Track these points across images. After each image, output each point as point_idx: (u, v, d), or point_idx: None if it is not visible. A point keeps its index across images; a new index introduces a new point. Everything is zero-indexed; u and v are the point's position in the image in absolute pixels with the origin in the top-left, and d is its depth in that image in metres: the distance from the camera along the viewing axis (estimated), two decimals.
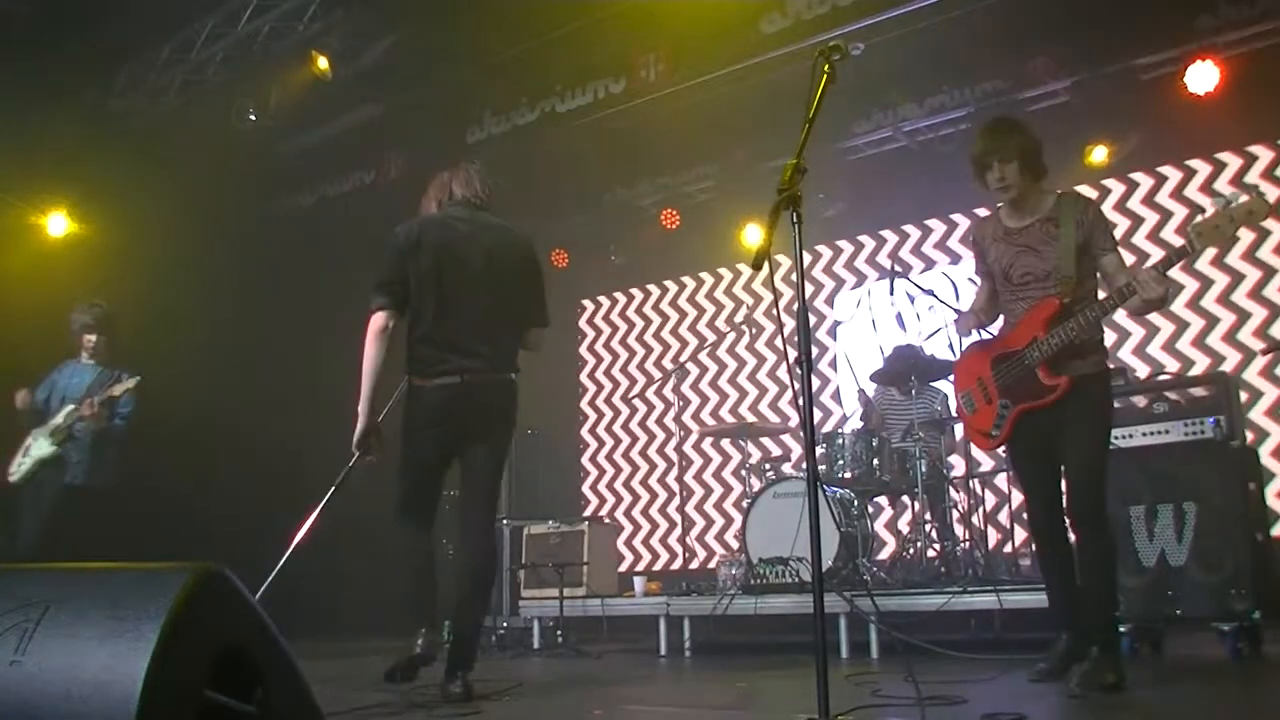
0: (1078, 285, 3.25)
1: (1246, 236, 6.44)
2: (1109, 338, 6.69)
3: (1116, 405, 4.57)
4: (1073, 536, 3.41)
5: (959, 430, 5.92)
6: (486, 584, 3.78)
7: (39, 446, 5.53)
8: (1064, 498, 3.35)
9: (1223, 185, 6.57)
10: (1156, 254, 6.73)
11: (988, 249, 3.49)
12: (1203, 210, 6.52)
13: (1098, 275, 3.33)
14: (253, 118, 7.70)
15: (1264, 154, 6.52)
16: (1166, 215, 6.80)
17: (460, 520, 3.76)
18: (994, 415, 3.46)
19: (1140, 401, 4.45)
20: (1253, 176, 6.50)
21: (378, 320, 3.72)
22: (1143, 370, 6.48)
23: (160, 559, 1.65)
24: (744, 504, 6.08)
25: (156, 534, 6.88)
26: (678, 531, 8.22)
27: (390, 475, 3.88)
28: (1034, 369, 3.30)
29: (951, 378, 3.87)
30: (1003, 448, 3.64)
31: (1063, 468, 3.35)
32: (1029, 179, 3.38)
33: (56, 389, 5.68)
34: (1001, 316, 3.56)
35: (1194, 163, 6.79)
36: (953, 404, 5.98)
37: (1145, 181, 6.96)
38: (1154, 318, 6.65)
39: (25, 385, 5.79)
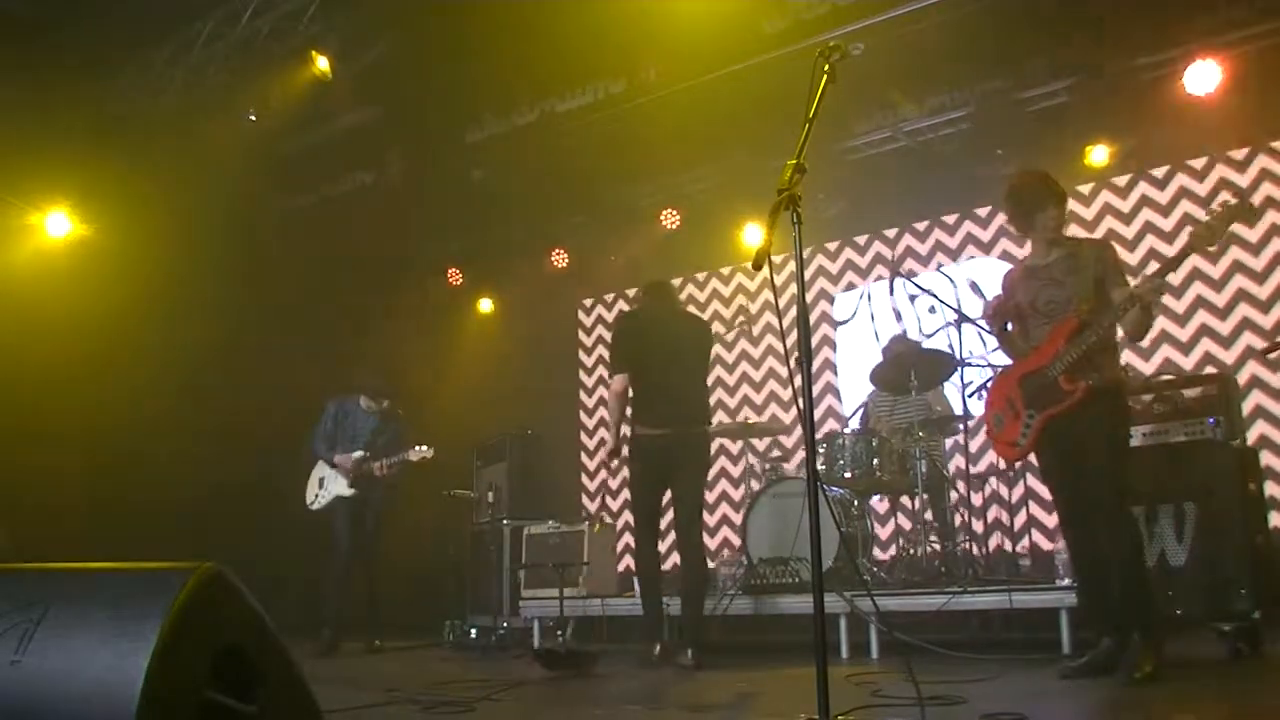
0: (1094, 311, 3.62)
1: (1243, 240, 6.43)
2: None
3: None
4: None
5: (959, 429, 5.92)
6: (699, 581, 4.87)
7: (336, 484, 6.57)
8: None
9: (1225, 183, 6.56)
10: (1166, 250, 6.71)
11: (1015, 289, 3.88)
12: (1206, 207, 6.57)
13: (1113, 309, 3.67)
14: (253, 118, 7.70)
15: (1267, 154, 6.50)
16: (1168, 215, 6.79)
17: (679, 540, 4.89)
18: (1020, 426, 3.80)
19: (1140, 402, 4.45)
20: (1256, 175, 6.49)
21: (616, 384, 4.90)
22: (1141, 371, 6.48)
23: (160, 556, 1.65)
24: (744, 504, 6.08)
25: (159, 533, 6.92)
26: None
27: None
28: (1056, 379, 3.66)
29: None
30: (1033, 456, 3.91)
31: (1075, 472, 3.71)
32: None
33: (340, 425, 6.71)
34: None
35: (1195, 162, 6.77)
36: (955, 402, 5.99)
37: (1144, 182, 6.95)
38: (1175, 312, 6.65)
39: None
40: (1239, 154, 6.60)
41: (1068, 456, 3.71)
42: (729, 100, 6.68)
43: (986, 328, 4.28)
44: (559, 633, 5.99)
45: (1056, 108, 6.59)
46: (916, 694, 2.60)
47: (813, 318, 7.20)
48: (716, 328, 8.59)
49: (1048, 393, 3.70)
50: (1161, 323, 6.66)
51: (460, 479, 7.54)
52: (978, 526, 5.82)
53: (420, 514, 7.81)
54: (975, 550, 5.51)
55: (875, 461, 5.62)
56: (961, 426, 5.63)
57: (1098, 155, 6.71)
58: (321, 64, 7.01)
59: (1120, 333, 3.78)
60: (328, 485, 6.62)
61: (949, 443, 6.25)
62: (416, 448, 6.47)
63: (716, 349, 8.51)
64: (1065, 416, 3.65)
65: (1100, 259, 3.70)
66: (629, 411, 4.97)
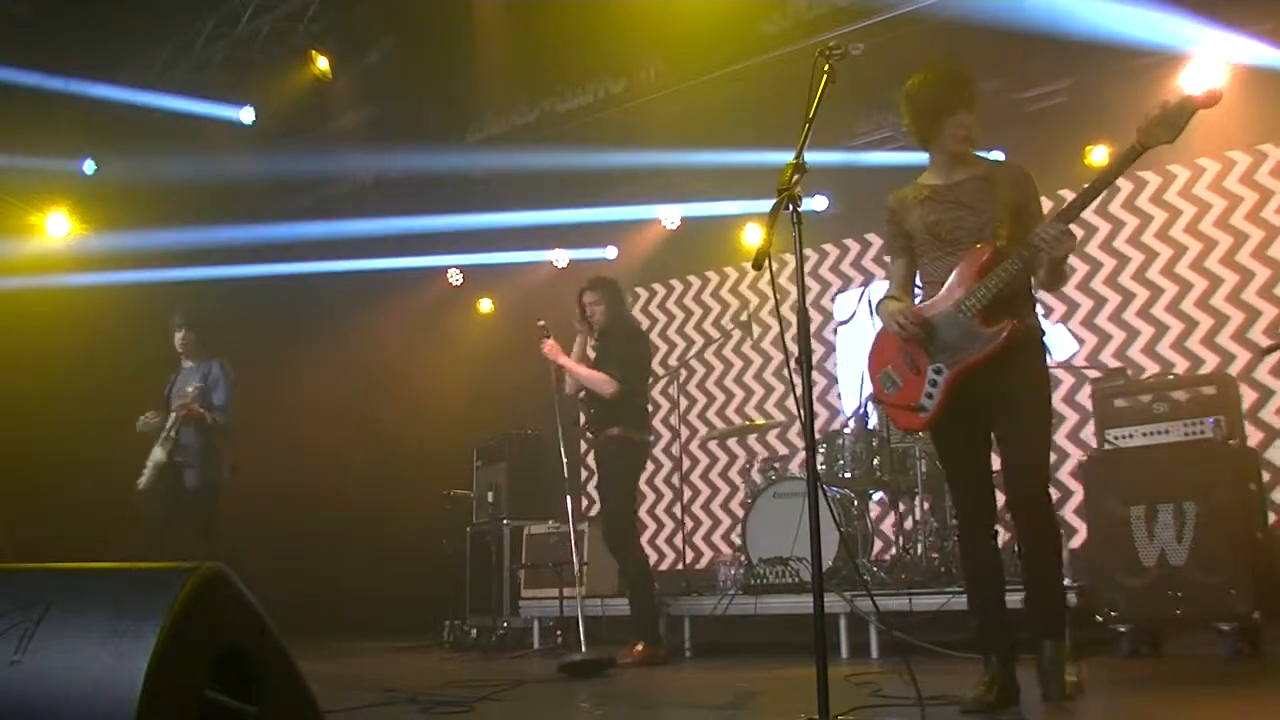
0: (1011, 238, 2.99)
1: (1257, 235, 6.37)
2: (1117, 336, 6.73)
3: (1118, 405, 4.60)
4: (1015, 525, 3.14)
5: None
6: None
7: (155, 454, 5.64)
8: (1004, 481, 3.06)
9: (1232, 183, 6.53)
10: (1165, 251, 6.66)
11: (907, 214, 3.17)
12: (1210, 207, 6.54)
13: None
14: (253, 118, 7.71)
15: (1270, 152, 6.47)
16: (1176, 213, 6.75)
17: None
18: (924, 385, 3.08)
19: (1140, 401, 4.45)
20: (1259, 175, 6.47)
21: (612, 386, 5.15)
22: (1141, 371, 6.47)
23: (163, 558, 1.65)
24: (744, 504, 6.07)
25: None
26: (678, 532, 8.22)
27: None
28: (970, 320, 2.99)
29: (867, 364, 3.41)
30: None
31: (996, 445, 3.09)
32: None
33: (168, 397, 5.80)
34: (921, 290, 3.24)
35: (1197, 163, 6.74)
36: None
37: (1150, 180, 6.92)
38: (1157, 315, 6.63)
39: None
40: (1241, 154, 6.58)
41: (974, 424, 3.08)
42: (729, 100, 6.68)
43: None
44: (558, 633, 6.00)
45: (1056, 108, 6.59)
46: (916, 694, 2.60)
47: (812, 317, 7.18)
48: (721, 325, 8.59)
49: (962, 341, 2.99)
50: (1159, 321, 6.65)
51: (460, 479, 7.54)
52: None
53: (420, 514, 7.82)
54: None
55: (875, 461, 5.61)
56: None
57: (1098, 155, 6.70)
58: (321, 64, 7.01)
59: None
60: (151, 460, 5.67)
61: None
62: (212, 371, 5.71)
63: (716, 348, 8.54)
64: (984, 369, 2.97)
65: (1019, 185, 3.07)
66: (632, 417, 5.15)
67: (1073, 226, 2.92)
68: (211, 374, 5.74)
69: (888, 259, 3.36)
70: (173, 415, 5.60)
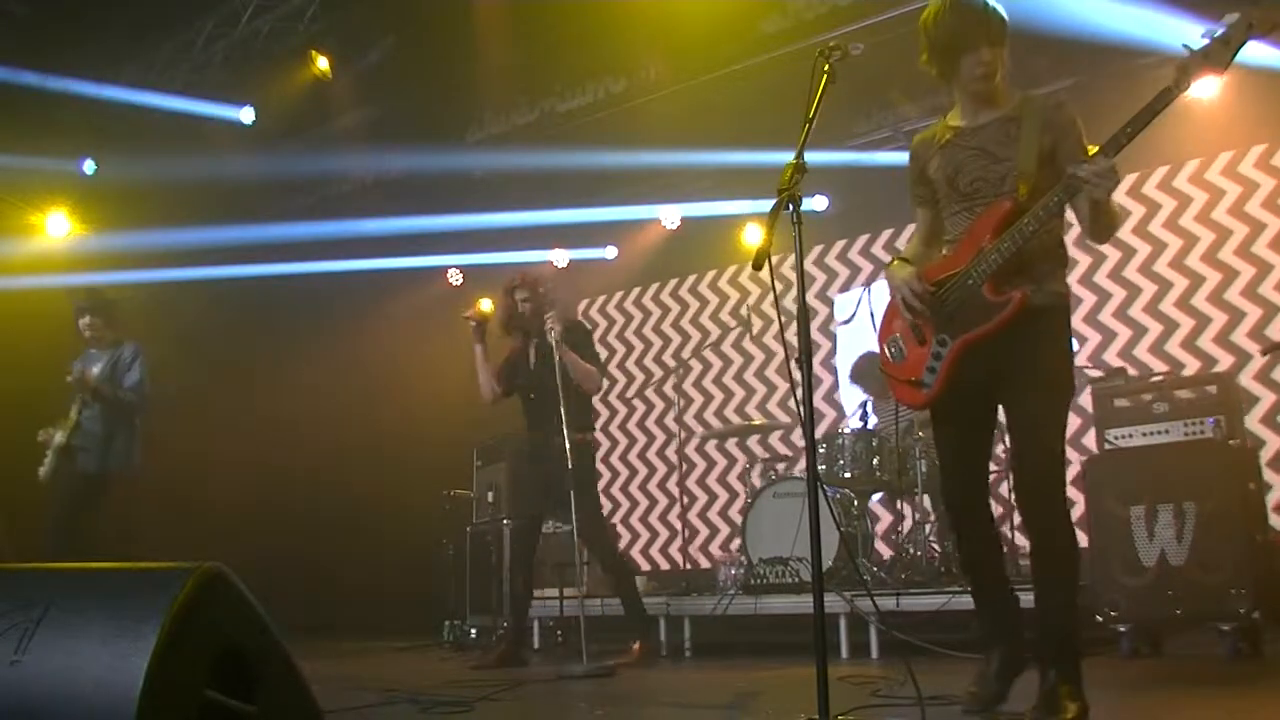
0: (1035, 192, 2.61)
1: (1240, 231, 6.38)
2: (1095, 339, 6.73)
3: (1118, 404, 4.59)
4: (1021, 523, 2.79)
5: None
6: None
7: (56, 439, 5.41)
8: (1011, 473, 2.77)
9: (1220, 177, 6.53)
10: (1163, 253, 6.68)
11: (929, 160, 2.83)
12: (1189, 202, 6.54)
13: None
14: (253, 118, 7.71)
15: (1266, 151, 6.48)
16: (1158, 206, 6.76)
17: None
18: (926, 358, 2.75)
19: (1140, 401, 4.45)
20: (1259, 175, 6.46)
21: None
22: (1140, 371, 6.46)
23: (160, 556, 1.65)
24: (744, 504, 6.07)
25: (160, 531, 6.93)
26: (677, 532, 8.21)
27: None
28: (978, 287, 2.64)
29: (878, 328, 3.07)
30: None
31: (1009, 431, 2.77)
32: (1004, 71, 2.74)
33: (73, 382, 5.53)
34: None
35: (1198, 162, 6.73)
36: None
37: (1146, 182, 6.92)
38: (1150, 318, 6.63)
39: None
40: (1241, 154, 6.58)
41: (977, 406, 2.75)
42: (729, 100, 6.68)
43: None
44: (559, 633, 5.99)
45: None
46: (917, 694, 2.60)
47: (812, 317, 7.18)
48: (723, 321, 8.59)
49: (967, 309, 2.66)
50: (1159, 318, 6.64)
51: (460, 479, 7.54)
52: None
53: (420, 514, 7.82)
54: None
55: (875, 461, 5.62)
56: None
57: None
58: (321, 64, 7.02)
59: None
60: (52, 446, 5.45)
61: None
62: (124, 354, 5.43)
63: (715, 348, 8.54)
64: (989, 342, 2.63)
65: (1052, 123, 2.68)
66: (586, 420, 5.15)
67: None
68: (123, 357, 5.48)
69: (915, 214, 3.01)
70: (76, 398, 5.35)
